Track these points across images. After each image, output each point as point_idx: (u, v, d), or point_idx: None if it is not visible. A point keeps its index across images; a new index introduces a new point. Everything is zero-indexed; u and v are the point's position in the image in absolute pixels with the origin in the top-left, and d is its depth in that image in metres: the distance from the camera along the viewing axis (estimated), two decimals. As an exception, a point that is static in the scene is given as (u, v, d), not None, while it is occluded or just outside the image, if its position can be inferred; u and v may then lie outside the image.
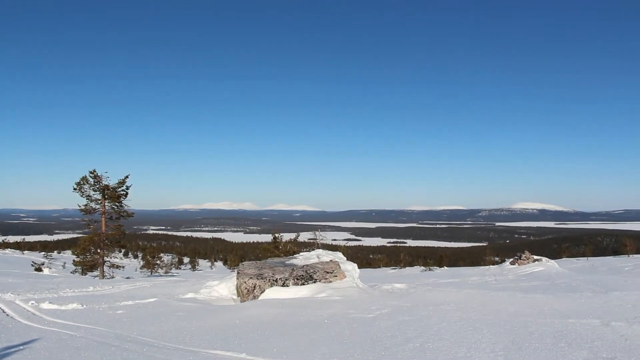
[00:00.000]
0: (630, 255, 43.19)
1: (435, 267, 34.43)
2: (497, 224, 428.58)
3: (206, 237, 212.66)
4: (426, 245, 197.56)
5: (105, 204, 27.68)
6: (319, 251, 14.62)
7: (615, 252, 52.85)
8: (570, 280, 17.93)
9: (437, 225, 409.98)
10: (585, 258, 43.12)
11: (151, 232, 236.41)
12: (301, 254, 15.12)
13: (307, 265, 12.59)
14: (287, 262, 13.37)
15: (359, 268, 13.82)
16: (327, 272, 12.16)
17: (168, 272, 50.43)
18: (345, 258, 14.27)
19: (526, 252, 30.33)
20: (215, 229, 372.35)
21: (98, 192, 27.49)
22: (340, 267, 12.62)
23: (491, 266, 31.90)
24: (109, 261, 27.83)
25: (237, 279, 12.35)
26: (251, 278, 11.87)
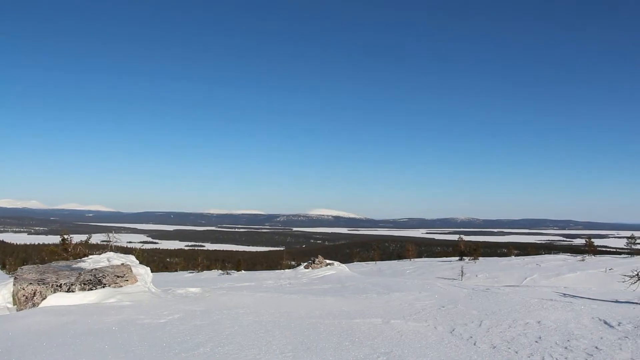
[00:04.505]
0: (412, 259, 47.69)
1: (232, 271, 34.52)
2: (295, 229, 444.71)
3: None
4: (225, 249, 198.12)
5: None
6: (110, 254, 13.84)
7: (399, 256, 57.39)
8: (358, 283, 19.12)
9: (236, 229, 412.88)
10: (374, 262, 46.37)
11: None
12: (90, 257, 14.14)
13: (96, 269, 11.83)
14: (74, 266, 12.41)
15: (155, 272, 13.40)
16: (118, 276, 11.55)
17: None
18: (137, 261, 13.69)
19: (319, 256, 31.84)
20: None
21: None
22: (132, 271, 12.08)
23: (286, 270, 32.92)
24: None
25: (14, 285, 11.13)
26: (31, 284, 10.79)
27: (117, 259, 13.24)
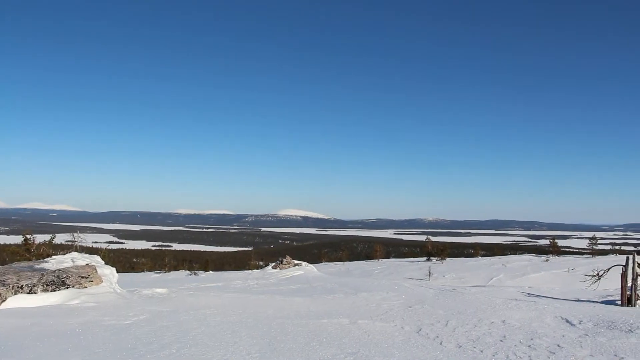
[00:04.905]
0: (380, 260, 48.04)
1: (200, 271, 34.27)
2: (263, 229, 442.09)
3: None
4: (192, 249, 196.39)
5: None
6: (74, 254, 13.58)
7: (368, 257, 57.76)
8: (326, 283, 19.18)
9: (204, 229, 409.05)
10: (342, 262, 46.55)
11: None
12: (54, 257, 13.86)
13: (59, 270, 11.60)
14: (36, 267, 12.15)
15: (121, 272, 13.21)
16: (82, 277, 11.35)
17: None
18: (103, 262, 13.49)
19: (287, 257, 31.86)
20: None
21: None
22: (97, 272, 11.89)
23: (254, 270, 32.79)
24: None
25: (-27, 286, 10.86)
26: (-10, 285, 10.54)
27: (81, 259, 13.01)
